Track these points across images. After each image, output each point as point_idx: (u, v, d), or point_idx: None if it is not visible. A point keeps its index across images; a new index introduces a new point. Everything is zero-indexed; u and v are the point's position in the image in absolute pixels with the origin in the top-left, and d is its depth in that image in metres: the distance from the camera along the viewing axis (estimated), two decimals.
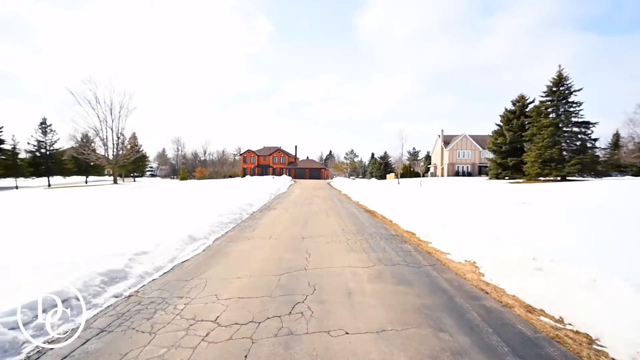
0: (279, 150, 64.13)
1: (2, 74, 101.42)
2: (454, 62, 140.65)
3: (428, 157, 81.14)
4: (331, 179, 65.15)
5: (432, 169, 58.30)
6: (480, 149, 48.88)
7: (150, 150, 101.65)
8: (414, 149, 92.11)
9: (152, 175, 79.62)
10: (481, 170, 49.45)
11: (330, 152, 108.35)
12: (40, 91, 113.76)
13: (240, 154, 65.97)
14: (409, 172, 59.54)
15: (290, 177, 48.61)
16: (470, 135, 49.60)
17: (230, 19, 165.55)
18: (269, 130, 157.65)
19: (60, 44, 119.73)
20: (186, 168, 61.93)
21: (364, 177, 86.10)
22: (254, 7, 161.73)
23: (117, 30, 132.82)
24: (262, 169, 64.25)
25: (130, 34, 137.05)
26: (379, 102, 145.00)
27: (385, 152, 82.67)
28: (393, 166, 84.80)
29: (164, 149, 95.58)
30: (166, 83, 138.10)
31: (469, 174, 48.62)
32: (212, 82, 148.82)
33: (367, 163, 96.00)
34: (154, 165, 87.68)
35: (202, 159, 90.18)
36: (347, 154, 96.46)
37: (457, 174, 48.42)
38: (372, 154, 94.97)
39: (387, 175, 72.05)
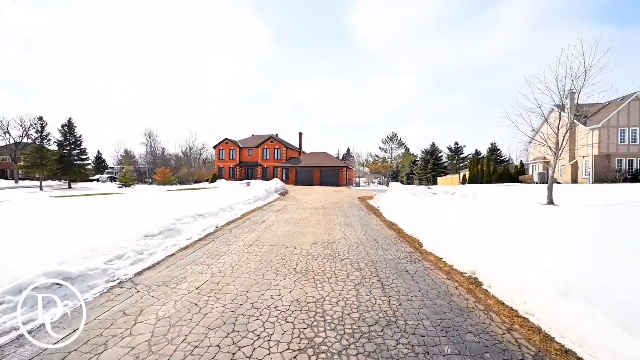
0: (272, 139, 40.66)
1: None
2: (461, 60, 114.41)
3: (494, 150, 55.63)
4: (356, 185, 41.43)
5: (535, 168, 33.19)
6: None
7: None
8: (455, 143, 64.44)
9: (112, 179, 58.53)
10: None
11: (349, 150, 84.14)
12: None
13: (214, 147, 42.93)
14: (484, 173, 35.03)
15: (282, 184, 25.41)
16: None
17: (225, 22, 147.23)
18: (269, 127, 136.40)
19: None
20: (130, 168, 40.33)
21: (396, 181, 61.65)
22: (248, 12, 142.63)
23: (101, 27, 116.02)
24: (247, 169, 41.42)
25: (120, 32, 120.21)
26: (383, 104, 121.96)
27: (434, 145, 57.15)
28: (445, 164, 59.27)
29: (165, 147, 77.28)
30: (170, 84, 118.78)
31: None
32: (204, 83, 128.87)
33: (392, 162, 71.05)
34: (116, 166, 67.03)
35: (188, 156, 69.99)
36: (385, 140, 69.08)
37: (623, 177, 23.37)
38: (407, 148, 70.08)
39: (440, 179, 47.42)
